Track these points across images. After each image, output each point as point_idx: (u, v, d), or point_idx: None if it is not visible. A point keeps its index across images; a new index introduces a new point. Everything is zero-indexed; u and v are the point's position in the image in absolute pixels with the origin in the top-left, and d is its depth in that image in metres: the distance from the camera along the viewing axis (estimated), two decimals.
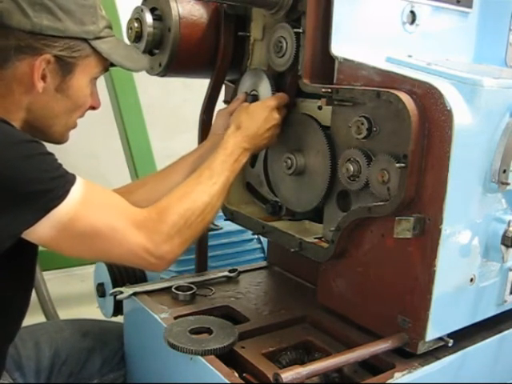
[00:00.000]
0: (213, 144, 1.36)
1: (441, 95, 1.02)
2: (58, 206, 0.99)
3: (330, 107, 1.22)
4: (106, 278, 1.73)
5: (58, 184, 1.00)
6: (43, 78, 1.08)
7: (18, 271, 1.16)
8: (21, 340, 1.37)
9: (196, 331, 1.21)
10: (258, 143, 1.29)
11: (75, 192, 1.02)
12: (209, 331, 1.20)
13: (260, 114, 1.28)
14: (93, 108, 1.23)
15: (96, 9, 1.13)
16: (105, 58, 1.15)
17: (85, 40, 1.10)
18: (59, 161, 1.04)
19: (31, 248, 1.14)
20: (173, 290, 1.43)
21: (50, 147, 1.06)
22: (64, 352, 1.39)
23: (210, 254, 1.64)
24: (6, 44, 1.04)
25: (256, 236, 1.85)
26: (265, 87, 1.36)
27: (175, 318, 1.29)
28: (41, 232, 1.00)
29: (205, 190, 1.18)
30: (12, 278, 1.13)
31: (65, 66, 1.10)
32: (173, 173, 1.40)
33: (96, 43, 1.12)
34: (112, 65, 1.19)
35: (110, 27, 1.17)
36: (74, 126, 1.21)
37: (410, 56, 1.27)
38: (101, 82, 3.15)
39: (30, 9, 1.03)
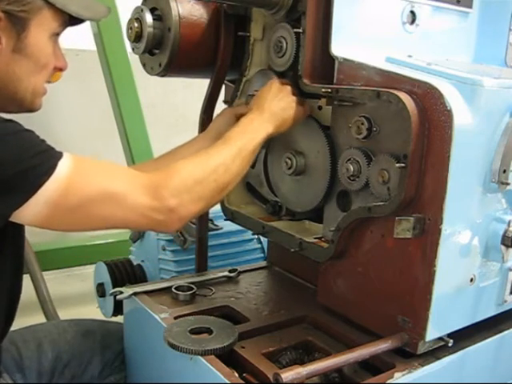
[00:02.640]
0: (223, 120, 1.35)
1: (441, 95, 1.02)
2: (45, 183, 0.95)
3: (330, 107, 1.22)
4: (106, 278, 1.73)
5: (42, 160, 0.96)
6: None
7: (6, 255, 1.14)
8: (23, 341, 1.37)
9: (196, 331, 1.21)
10: (282, 123, 1.24)
11: (63, 165, 0.97)
12: (209, 331, 1.20)
13: (284, 97, 1.24)
14: (60, 70, 1.17)
15: None
16: (60, 9, 1.08)
17: None
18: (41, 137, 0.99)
19: (18, 232, 1.12)
20: (173, 290, 1.43)
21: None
22: (66, 355, 1.39)
23: (210, 254, 1.64)
24: None
25: (256, 236, 1.85)
26: None
27: (175, 318, 1.29)
28: (33, 212, 0.96)
29: (217, 152, 1.13)
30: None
31: (17, 23, 1.04)
32: (184, 148, 1.37)
33: None
34: (70, 20, 1.13)
35: None
36: (44, 91, 1.15)
37: (410, 56, 1.27)
38: (101, 82, 3.17)
39: None
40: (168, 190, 1.04)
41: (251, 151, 1.17)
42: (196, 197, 1.07)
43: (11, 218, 0.98)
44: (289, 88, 1.27)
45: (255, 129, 1.19)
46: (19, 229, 1.16)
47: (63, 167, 0.97)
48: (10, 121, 0.98)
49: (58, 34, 1.14)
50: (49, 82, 1.16)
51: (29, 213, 0.96)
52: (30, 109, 1.15)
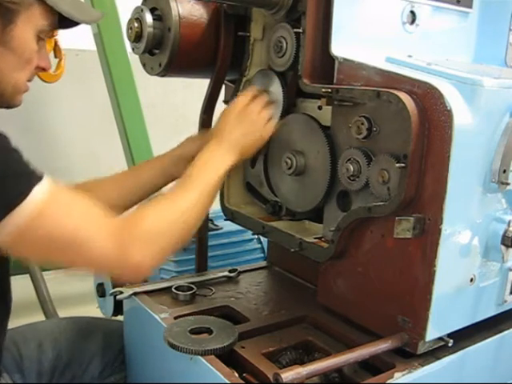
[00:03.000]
0: (185, 150, 1.36)
1: (441, 95, 1.02)
2: (19, 205, 0.91)
3: (330, 107, 1.22)
4: (106, 278, 1.73)
5: (19, 182, 0.93)
6: None
7: None
8: (23, 340, 1.36)
9: (196, 331, 1.21)
10: (244, 151, 1.24)
11: (39, 192, 0.94)
12: (209, 331, 1.20)
13: (246, 120, 1.24)
14: (43, 69, 1.15)
15: None
16: (51, 8, 1.06)
17: None
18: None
19: None
20: (173, 290, 1.43)
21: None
22: (67, 354, 1.38)
23: (210, 254, 1.64)
24: None
25: (256, 236, 1.85)
26: (276, 87, 1.35)
27: (175, 318, 1.29)
28: (2, 233, 0.93)
29: (180, 198, 1.12)
30: None
31: (5, 14, 1.02)
32: (142, 170, 1.38)
33: None
34: (62, 22, 1.12)
35: None
36: (25, 88, 1.13)
37: (410, 56, 1.27)
38: (101, 82, 3.17)
39: None
40: (134, 244, 1.01)
41: (214, 187, 1.17)
42: (160, 250, 1.06)
43: None
44: (253, 107, 1.25)
45: (216, 163, 1.19)
46: None
47: (39, 193, 0.94)
48: (1, 135, 0.96)
49: (45, 35, 1.11)
50: (29, 80, 1.14)
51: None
52: (10, 104, 1.14)
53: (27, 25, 1.05)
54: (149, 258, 1.04)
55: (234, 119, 1.24)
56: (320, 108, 1.28)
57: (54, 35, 2.53)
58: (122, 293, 1.42)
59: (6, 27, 1.03)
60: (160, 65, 1.38)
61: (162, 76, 1.42)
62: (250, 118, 1.25)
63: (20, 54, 1.07)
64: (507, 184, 1.12)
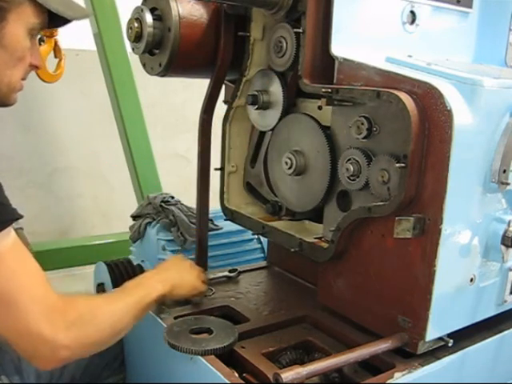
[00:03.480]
0: None
1: (441, 95, 1.02)
2: None
3: (330, 107, 1.22)
4: (106, 278, 1.72)
5: None
6: None
7: None
8: None
9: (196, 331, 1.21)
10: (176, 288, 1.29)
11: (1, 238, 0.94)
12: (209, 331, 1.20)
13: (189, 272, 1.36)
14: (36, 67, 1.15)
15: None
16: (41, 6, 1.07)
17: None
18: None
19: None
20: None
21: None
22: None
23: (210, 254, 1.64)
24: None
25: (256, 236, 1.85)
26: (275, 87, 1.35)
27: (175, 318, 1.30)
28: None
29: (116, 300, 1.15)
30: None
31: None
32: None
33: None
34: (53, 20, 1.13)
35: None
36: (20, 87, 1.14)
37: (410, 56, 1.27)
38: (101, 82, 3.17)
39: None
40: (65, 328, 1.00)
41: (146, 305, 1.19)
42: (87, 341, 1.05)
43: None
44: (197, 269, 1.40)
45: (151, 285, 1.23)
46: None
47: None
48: None
49: (36, 32, 1.12)
50: (24, 79, 1.15)
51: None
52: (5, 103, 1.14)
53: (18, 22, 1.06)
54: (73, 345, 1.02)
55: (173, 262, 1.38)
56: (320, 108, 1.28)
57: (54, 35, 2.53)
58: None
59: None
60: (160, 65, 1.38)
61: (162, 76, 1.42)
62: (187, 266, 1.38)
63: (12, 52, 1.07)
64: (507, 184, 1.12)
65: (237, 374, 1.11)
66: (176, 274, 1.32)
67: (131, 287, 1.21)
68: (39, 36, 1.12)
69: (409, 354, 1.14)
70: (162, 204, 1.82)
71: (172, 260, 1.41)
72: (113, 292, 1.20)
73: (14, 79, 1.11)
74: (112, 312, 1.11)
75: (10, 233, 0.97)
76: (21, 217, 0.98)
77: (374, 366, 1.15)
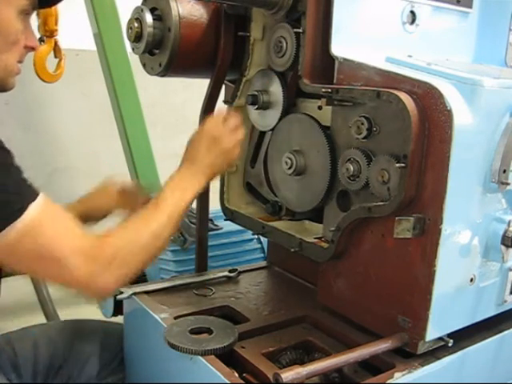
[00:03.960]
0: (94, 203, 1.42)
1: (441, 95, 1.02)
2: (13, 223, 0.97)
3: (330, 107, 1.22)
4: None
5: (15, 200, 0.98)
6: None
7: None
8: (19, 340, 1.36)
9: (196, 331, 1.21)
10: (213, 174, 1.28)
11: (31, 212, 0.99)
12: (209, 331, 1.20)
13: (217, 147, 1.26)
14: (31, 49, 1.16)
15: None
16: None
17: None
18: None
19: None
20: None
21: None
22: (62, 355, 1.38)
23: (210, 254, 1.64)
24: None
25: (256, 236, 1.86)
26: (275, 87, 1.35)
27: (175, 318, 1.29)
28: None
29: (150, 221, 1.15)
30: None
31: None
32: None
33: None
34: (42, 1, 1.14)
35: None
36: (17, 70, 1.15)
37: (410, 56, 1.27)
38: (101, 82, 3.17)
39: None
40: (103, 269, 1.06)
41: (183, 210, 1.19)
42: (127, 273, 1.11)
43: None
44: (222, 132, 1.27)
45: (187, 185, 1.22)
46: None
47: (31, 213, 0.99)
48: (6, 150, 1.01)
49: (27, 13, 1.12)
50: (20, 61, 1.15)
51: None
52: (3, 87, 1.15)
53: (8, 6, 1.06)
54: (115, 281, 1.09)
55: (204, 145, 1.26)
56: (320, 108, 1.28)
57: (54, 35, 2.53)
58: (122, 293, 1.41)
59: None
60: (160, 65, 1.38)
61: (162, 76, 1.42)
62: (220, 143, 1.27)
63: (5, 36, 1.08)
64: (507, 184, 1.12)
65: (237, 374, 1.11)
66: (210, 162, 1.25)
67: (165, 197, 1.18)
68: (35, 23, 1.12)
69: (409, 354, 1.14)
70: None
71: (198, 140, 1.28)
72: (146, 210, 1.17)
73: (10, 63, 1.11)
74: (147, 239, 1.13)
75: (39, 201, 1.01)
76: (36, 194, 1.02)
77: (374, 365, 1.15)
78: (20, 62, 1.15)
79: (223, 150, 1.27)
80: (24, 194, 1.00)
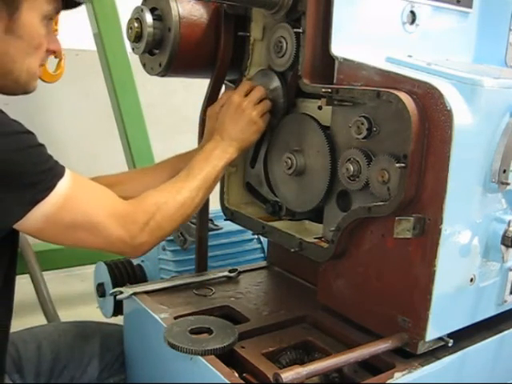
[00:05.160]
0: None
1: (441, 95, 1.02)
2: (44, 199, 1.03)
3: (330, 107, 1.22)
4: (106, 278, 1.73)
5: (46, 177, 1.04)
6: None
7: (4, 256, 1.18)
8: (22, 341, 1.37)
9: (196, 331, 1.21)
10: (243, 144, 1.32)
11: (62, 185, 1.05)
12: (209, 331, 1.20)
13: (242, 117, 1.30)
14: (53, 53, 1.20)
15: None
16: None
17: None
18: (49, 152, 1.07)
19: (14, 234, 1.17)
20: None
21: (47, 144, 1.07)
22: (65, 356, 1.39)
23: (210, 254, 1.64)
24: None
25: (256, 236, 1.85)
26: (275, 87, 1.36)
27: (175, 318, 1.29)
28: (28, 223, 1.04)
29: (184, 186, 1.22)
30: None
31: (9, 3, 1.07)
32: (161, 168, 1.46)
33: None
34: (68, 4, 1.18)
35: None
36: (39, 73, 1.19)
37: (410, 56, 1.27)
38: (101, 82, 3.17)
39: None
40: (140, 229, 1.15)
41: (214, 179, 1.28)
42: (162, 233, 1.20)
43: (14, 225, 1.05)
44: (247, 103, 1.31)
45: (218, 156, 1.28)
46: (17, 236, 1.21)
47: (63, 186, 1.06)
48: (30, 132, 1.05)
49: (50, 18, 1.15)
50: (42, 65, 1.19)
51: (28, 222, 1.05)
52: (26, 90, 1.19)
53: (32, 11, 1.10)
54: (151, 240, 1.18)
55: (231, 118, 1.32)
56: (320, 108, 1.28)
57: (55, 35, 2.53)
58: (121, 293, 1.41)
59: (13, 15, 1.07)
60: (160, 65, 1.38)
61: (162, 76, 1.42)
62: (246, 114, 1.31)
63: (29, 40, 1.12)
64: (507, 184, 1.12)
65: (237, 374, 1.11)
66: (239, 133, 1.30)
67: (195, 167, 1.25)
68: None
69: (409, 354, 1.14)
70: None
71: (223, 113, 1.33)
72: (178, 178, 1.25)
73: (32, 66, 1.16)
74: (180, 203, 1.20)
75: (67, 175, 1.08)
76: (63, 170, 1.08)
77: (374, 365, 1.15)
78: (41, 65, 1.19)
79: (249, 121, 1.31)
80: (53, 171, 1.05)
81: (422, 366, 1.12)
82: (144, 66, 1.44)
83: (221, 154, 1.28)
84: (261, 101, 1.34)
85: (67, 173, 1.08)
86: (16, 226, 1.05)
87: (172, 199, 1.20)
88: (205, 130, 1.44)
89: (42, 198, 1.03)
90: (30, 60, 1.14)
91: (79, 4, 1.22)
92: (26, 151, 1.02)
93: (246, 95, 1.33)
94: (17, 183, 1.00)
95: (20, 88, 1.17)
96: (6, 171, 0.98)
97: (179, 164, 1.40)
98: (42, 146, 1.06)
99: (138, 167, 2.90)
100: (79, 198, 1.10)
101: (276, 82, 1.35)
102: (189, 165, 1.27)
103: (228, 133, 1.30)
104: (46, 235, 1.10)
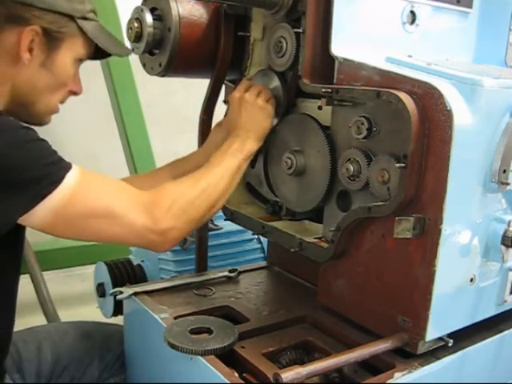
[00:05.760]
0: (218, 134, 1.42)
1: (441, 95, 1.02)
2: (52, 193, 1.02)
3: (330, 107, 1.22)
4: (106, 278, 1.73)
5: (52, 170, 1.03)
6: (30, 50, 1.12)
7: (7, 256, 1.18)
8: (23, 342, 1.37)
9: (196, 331, 1.21)
10: (259, 132, 1.32)
11: (70, 178, 1.04)
12: (209, 331, 1.20)
13: (248, 108, 1.31)
14: (74, 93, 1.25)
15: None
16: (90, 40, 1.18)
17: (72, 18, 1.15)
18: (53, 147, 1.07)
19: (19, 232, 1.17)
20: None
21: None
22: (66, 357, 1.39)
23: (210, 254, 1.64)
24: None
25: (256, 236, 1.85)
26: (275, 87, 1.36)
27: (175, 318, 1.29)
28: (36, 218, 1.03)
29: (205, 172, 1.22)
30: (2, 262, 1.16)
31: (51, 41, 1.13)
32: (162, 171, 1.46)
33: (82, 23, 1.17)
34: (97, 54, 1.23)
35: (94, 12, 1.22)
36: (56, 109, 1.23)
37: (410, 56, 1.27)
38: (101, 83, 3.17)
39: None
40: (163, 213, 1.11)
41: (237, 168, 1.27)
42: (188, 218, 1.16)
43: (19, 221, 1.04)
44: (248, 95, 1.32)
45: (236, 149, 1.28)
46: (21, 229, 1.19)
47: (70, 179, 1.04)
48: (29, 128, 1.06)
49: (81, 60, 1.23)
50: (62, 102, 1.24)
51: (35, 218, 1.03)
52: (40, 122, 1.22)
53: (68, 52, 1.17)
54: (180, 224, 1.13)
55: (238, 113, 1.32)
56: (320, 108, 1.28)
57: None
58: (121, 293, 1.42)
59: (51, 52, 1.15)
60: (160, 65, 1.38)
61: (162, 76, 1.42)
62: (251, 103, 1.32)
63: (58, 77, 1.18)
64: (507, 184, 1.12)
65: (237, 374, 1.11)
66: (247, 123, 1.31)
67: (213, 160, 1.26)
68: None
69: (409, 354, 1.14)
70: None
71: (232, 111, 1.35)
72: (197, 171, 1.24)
73: (53, 102, 1.21)
74: (201, 188, 1.19)
75: (71, 176, 1.05)
76: (68, 167, 1.07)
77: (374, 365, 1.15)
78: (61, 102, 1.24)
79: (257, 109, 1.31)
80: (58, 165, 1.05)
81: (422, 366, 1.12)
82: (144, 65, 1.44)
83: (239, 147, 1.28)
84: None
85: (75, 167, 1.07)
86: (22, 221, 1.04)
87: (191, 186, 1.18)
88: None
89: (49, 192, 1.01)
90: (52, 95, 1.19)
91: (108, 55, 1.27)
92: (27, 145, 1.02)
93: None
94: (21, 178, 0.99)
95: (36, 119, 1.21)
96: (7, 167, 0.98)
97: (180, 166, 1.40)
98: (43, 140, 1.06)
99: (138, 167, 2.90)
100: (91, 188, 1.08)
101: (276, 82, 1.35)
102: (208, 161, 1.26)
103: (240, 127, 1.31)
104: (55, 230, 1.08)
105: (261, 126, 1.33)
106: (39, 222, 1.04)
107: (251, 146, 1.30)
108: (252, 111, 1.31)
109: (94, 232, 1.11)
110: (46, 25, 1.11)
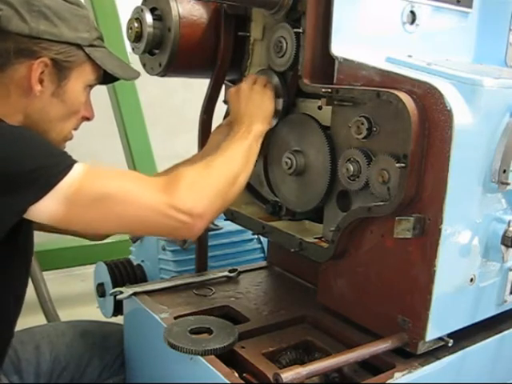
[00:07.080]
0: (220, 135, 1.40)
1: (441, 95, 1.02)
2: (60, 181, 1.00)
3: (330, 107, 1.22)
4: (106, 278, 1.73)
5: (59, 160, 1.03)
6: (40, 82, 1.13)
7: (17, 256, 1.18)
8: (21, 343, 1.36)
9: (196, 331, 1.21)
10: (264, 114, 1.31)
11: (78, 166, 1.04)
12: (209, 331, 1.20)
13: (248, 95, 1.30)
14: (87, 119, 1.27)
15: (88, 19, 1.20)
16: (98, 66, 1.20)
17: (79, 47, 1.16)
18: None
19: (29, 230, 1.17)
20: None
21: None
22: (64, 357, 1.38)
23: (210, 254, 1.64)
24: (5, 47, 1.09)
25: (256, 236, 1.85)
26: (275, 87, 1.35)
27: (175, 318, 1.29)
28: (49, 210, 1.01)
29: (213, 157, 1.19)
30: (11, 263, 1.15)
31: (61, 71, 1.15)
32: (184, 165, 1.41)
33: (90, 50, 1.18)
34: (106, 78, 1.25)
35: (101, 39, 1.23)
36: (70, 136, 1.25)
37: (410, 56, 1.27)
38: None
39: (27, 15, 1.09)
40: (183, 194, 1.07)
41: (248, 149, 1.23)
42: (211, 193, 1.12)
43: (29, 216, 1.02)
44: (245, 86, 1.32)
45: (244, 133, 1.25)
46: (30, 227, 1.20)
47: (79, 167, 1.04)
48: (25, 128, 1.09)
49: (91, 86, 1.24)
50: (75, 129, 1.25)
51: (45, 210, 1.01)
52: None
53: (78, 79, 1.19)
54: (199, 204, 1.08)
55: (242, 103, 1.31)
56: (320, 108, 1.28)
57: None
58: (121, 293, 1.42)
59: (61, 82, 1.16)
60: (160, 65, 1.38)
61: (162, 76, 1.42)
62: (253, 93, 1.31)
63: (70, 106, 1.19)
64: (507, 184, 1.12)
65: (237, 374, 1.11)
66: (250, 111, 1.29)
67: (222, 146, 1.23)
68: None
69: (409, 354, 1.14)
70: None
71: (234, 102, 1.33)
72: (209, 157, 1.21)
73: (66, 130, 1.23)
74: (214, 176, 1.15)
75: (78, 166, 1.05)
76: (74, 160, 1.06)
77: (374, 365, 1.15)
78: (75, 129, 1.25)
79: (257, 94, 1.30)
80: (64, 156, 1.05)
81: (422, 365, 1.12)
82: (144, 65, 1.44)
83: (246, 130, 1.25)
84: None
85: (79, 162, 1.06)
86: (35, 215, 1.01)
87: (203, 166, 1.16)
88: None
89: (57, 181, 0.99)
90: (65, 124, 1.21)
91: (116, 80, 1.28)
92: (38, 138, 1.05)
93: None
94: (31, 165, 0.99)
95: None
96: (11, 159, 0.99)
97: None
98: (43, 138, 1.08)
99: (138, 167, 2.90)
100: (101, 173, 1.06)
101: (276, 82, 1.35)
102: (217, 150, 1.24)
103: (244, 114, 1.29)
104: (71, 221, 1.04)
105: (264, 109, 1.31)
106: (53, 214, 1.01)
107: (258, 127, 1.27)
108: (252, 97, 1.30)
109: (111, 217, 1.06)
110: (54, 55, 1.12)
